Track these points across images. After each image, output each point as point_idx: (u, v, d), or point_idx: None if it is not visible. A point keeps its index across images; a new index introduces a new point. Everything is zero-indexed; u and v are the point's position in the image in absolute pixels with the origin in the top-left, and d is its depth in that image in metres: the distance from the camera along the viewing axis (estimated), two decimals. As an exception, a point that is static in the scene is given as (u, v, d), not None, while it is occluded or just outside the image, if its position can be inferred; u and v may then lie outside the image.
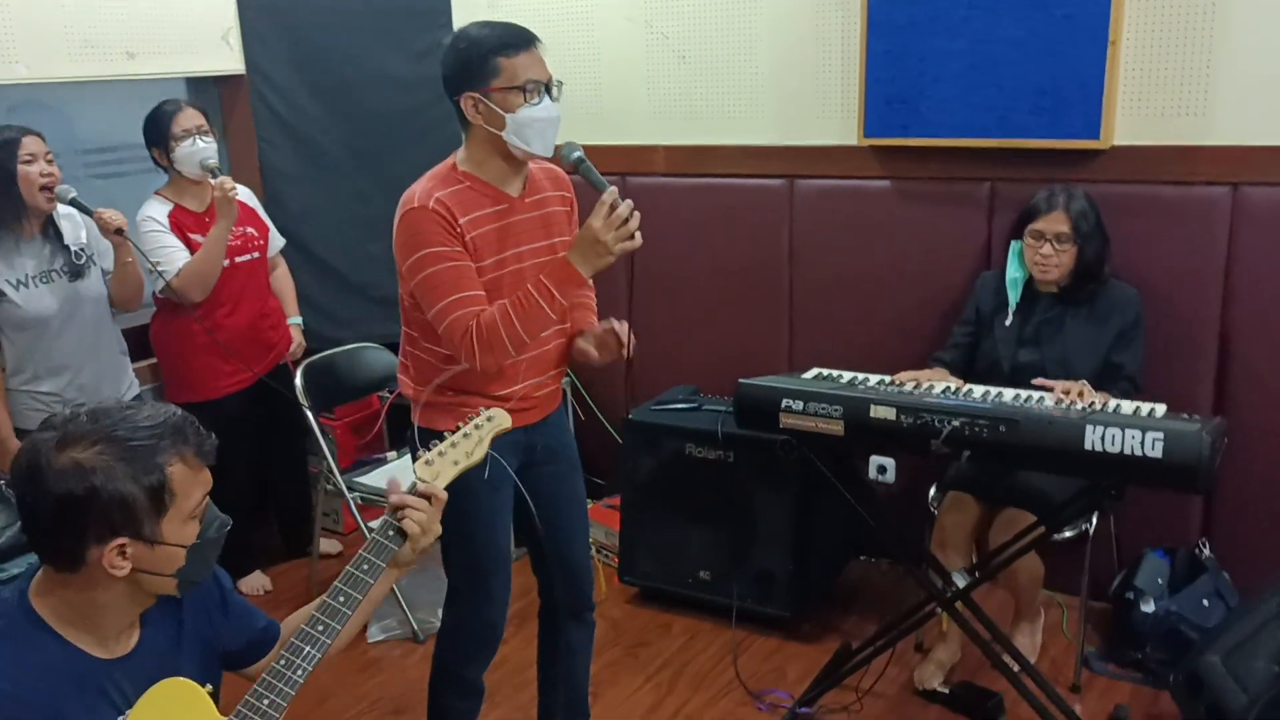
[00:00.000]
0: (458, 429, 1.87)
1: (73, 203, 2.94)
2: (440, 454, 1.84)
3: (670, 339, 3.85)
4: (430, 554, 2.15)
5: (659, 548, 3.39)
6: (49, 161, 2.91)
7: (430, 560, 2.21)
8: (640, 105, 3.72)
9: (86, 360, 3.06)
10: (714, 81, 3.59)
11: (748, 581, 3.23)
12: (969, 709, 2.80)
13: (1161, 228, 2.99)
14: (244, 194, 3.46)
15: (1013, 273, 2.94)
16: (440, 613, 2.43)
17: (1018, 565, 2.77)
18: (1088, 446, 2.30)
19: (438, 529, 1.76)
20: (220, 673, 1.72)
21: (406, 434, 2.26)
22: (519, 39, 2.09)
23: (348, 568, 1.68)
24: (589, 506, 3.85)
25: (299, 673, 1.59)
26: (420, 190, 2.13)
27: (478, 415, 1.90)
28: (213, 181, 3.17)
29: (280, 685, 1.57)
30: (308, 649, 1.61)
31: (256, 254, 3.43)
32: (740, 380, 2.74)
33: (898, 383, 2.69)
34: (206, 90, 3.90)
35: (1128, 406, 2.46)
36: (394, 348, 2.48)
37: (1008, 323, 2.93)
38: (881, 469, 3.49)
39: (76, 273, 3.02)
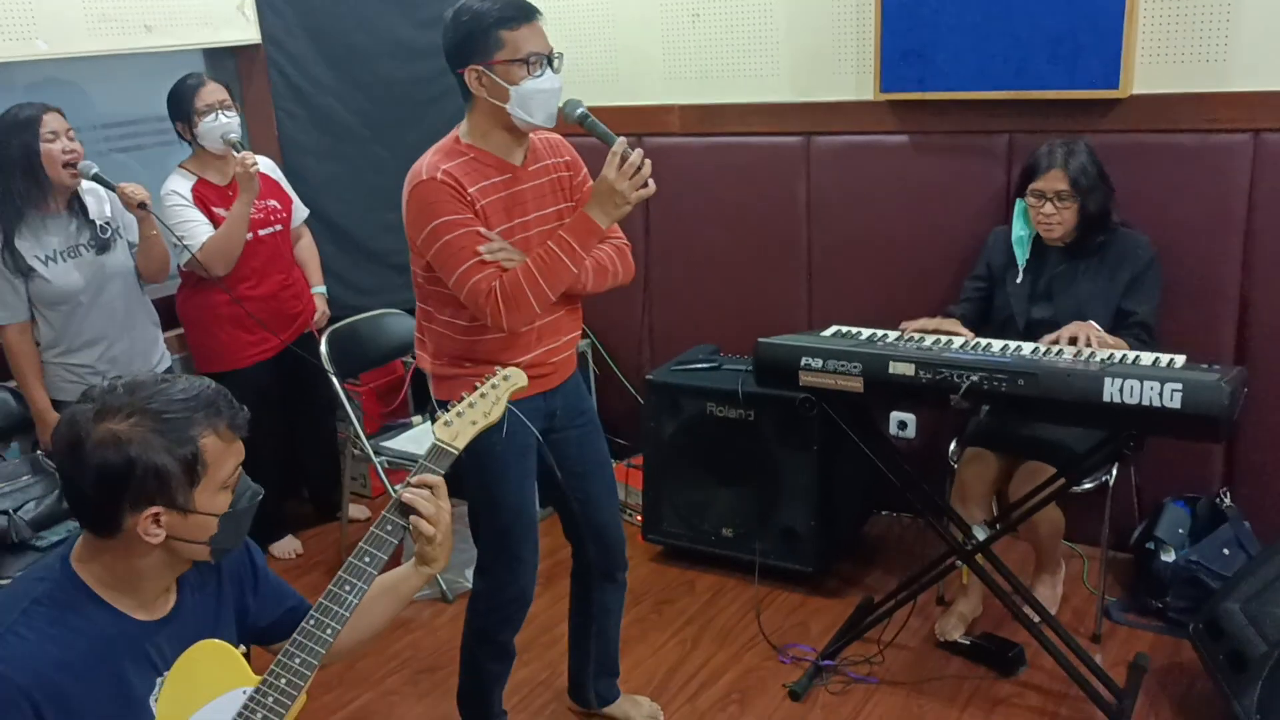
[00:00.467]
0: (475, 389, 1.90)
1: (95, 178, 2.97)
2: (459, 414, 1.87)
3: (689, 299, 3.87)
4: (459, 516, 2.19)
5: (682, 506, 3.43)
6: (70, 138, 2.94)
7: (458, 522, 2.25)
8: (654, 65, 3.71)
9: (118, 332, 3.11)
10: (728, 39, 3.57)
11: (771, 538, 3.26)
12: (990, 660, 2.84)
13: (1182, 176, 2.96)
14: (267, 166, 3.49)
15: (1018, 231, 2.93)
16: (469, 574, 2.49)
17: (1038, 517, 2.79)
18: (1106, 398, 2.31)
19: (446, 521, 1.75)
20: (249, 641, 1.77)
21: (426, 408, 2.29)
22: (521, 12, 2.11)
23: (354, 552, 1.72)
24: (614, 466, 3.94)
25: (329, 632, 1.64)
26: (427, 164, 2.16)
27: (494, 375, 1.93)
28: (235, 155, 3.20)
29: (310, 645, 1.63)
30: (339, 604, 1.66)
31: (279, 227, 3.46)
32: (759, 339, 2.75)
33: (906, 333, 2.70)
34: (223, 62, 3.92)
35: (1147, 357, 2.46)
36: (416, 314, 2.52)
37: (1019, 280, 2.92)
38: (902, 424, 3.52)
39: (102, 247, 3.06)
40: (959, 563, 2.78)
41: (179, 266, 3.35)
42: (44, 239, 2.96)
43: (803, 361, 2.65)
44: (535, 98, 2.12)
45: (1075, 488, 2.83)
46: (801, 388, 2.67)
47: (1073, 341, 2.57)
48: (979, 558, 2.70)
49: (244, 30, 3.78)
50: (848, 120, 3.41)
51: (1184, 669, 2.77)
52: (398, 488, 1.78)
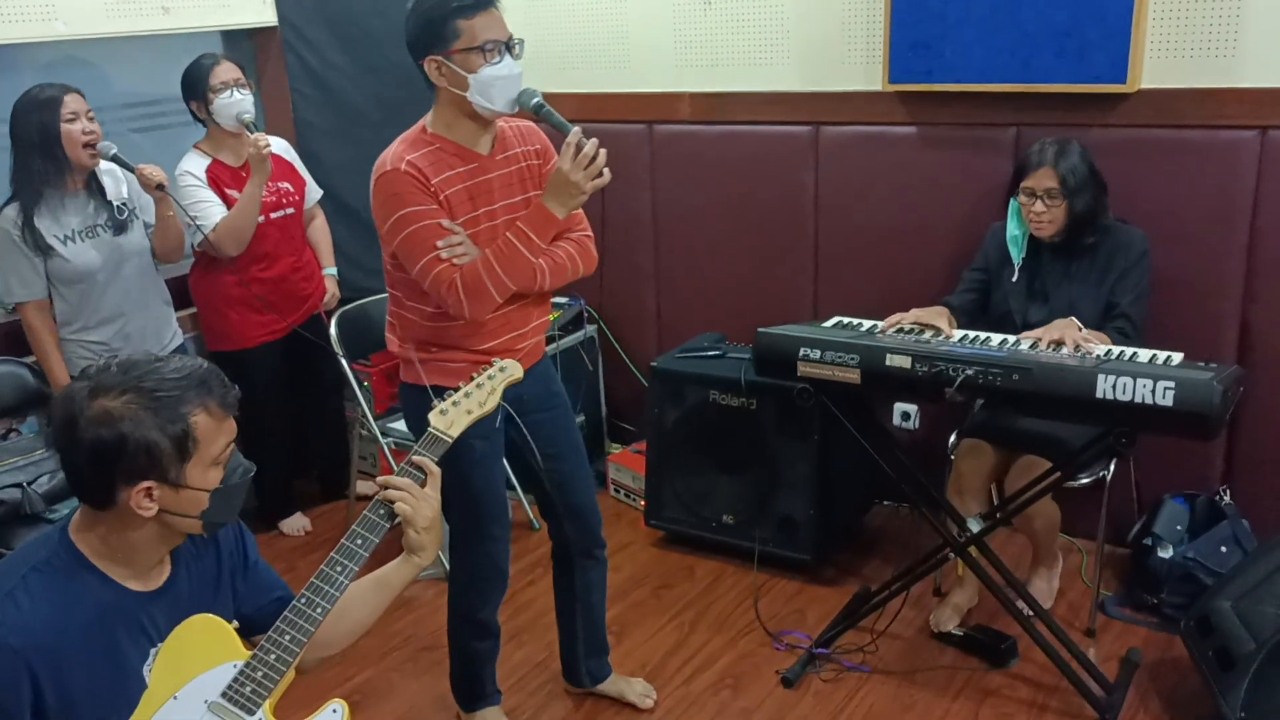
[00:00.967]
0: (471, 379, 1.94)
1: (114, 159, 3.02)
2: (454, 403, 1.91)
3: (696, 286, 3.89)
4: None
5: (684, 492, 3.46)
6: (90, 119, 2.99)
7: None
8: (666, 52, 3.72)
9: (132, 311, 3.17)
10: (739, 27, 3.57)
11: (770, 526, 3.29)
12: (982, 651, 2.86)
13: (1188, 172, 2.95)
14: (281, 147, 3.53)
15: (1012, 230, 2.92)
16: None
17: (1034, 511, 2.80)
18: (1099, 395, 2.32)
19: (432, 511, 1.78)
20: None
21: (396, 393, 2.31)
22: (477, 0, 2.11)
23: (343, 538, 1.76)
24: (619, 452, 3.98)
25: (319, 611, 1.68)
26: (392, 154, 2.19)
27: (491, 366, 1.96)
28: (249, 136, 3.24)
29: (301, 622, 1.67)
30: (329, 585, 1.70)
31: (292, 210, 3.50)
32: (759, 329, 2.78)
33: (891, 326, 2.74)
34: (240, 44, 3.97)
35: (1144, 354, 2.47)
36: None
37: (1015, 279, 2.92)
38: (905, 415, 3.52)
39: (120, 227, 3.12)
40: (952, 554, 2.80)
41: (193, 246, 3.40)
42: (62, 219, 3.01)
43: (801, 352, 2.67)
44: (494, 85, 2.13)
45: (1071, 482, 2.84)
46: (800, 378, 2.69)
47: (1057, 345, 2.56)
48: (973, 550, 2.72)
49: (261, 12, 3.83)
50: (856, 111, 3.41)
51: (1176, 665, 2.77)
52: (401, 465, 1.81)
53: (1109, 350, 2.53)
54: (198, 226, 3.26)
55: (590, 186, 2.15)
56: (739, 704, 2.78)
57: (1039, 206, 2.78)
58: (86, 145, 2.98)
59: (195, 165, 3.33)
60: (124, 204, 3.15)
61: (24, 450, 3.04)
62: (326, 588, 1.71)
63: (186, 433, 1.55)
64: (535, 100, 2.17)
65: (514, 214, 2.27)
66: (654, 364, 3.49)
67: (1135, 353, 2.50)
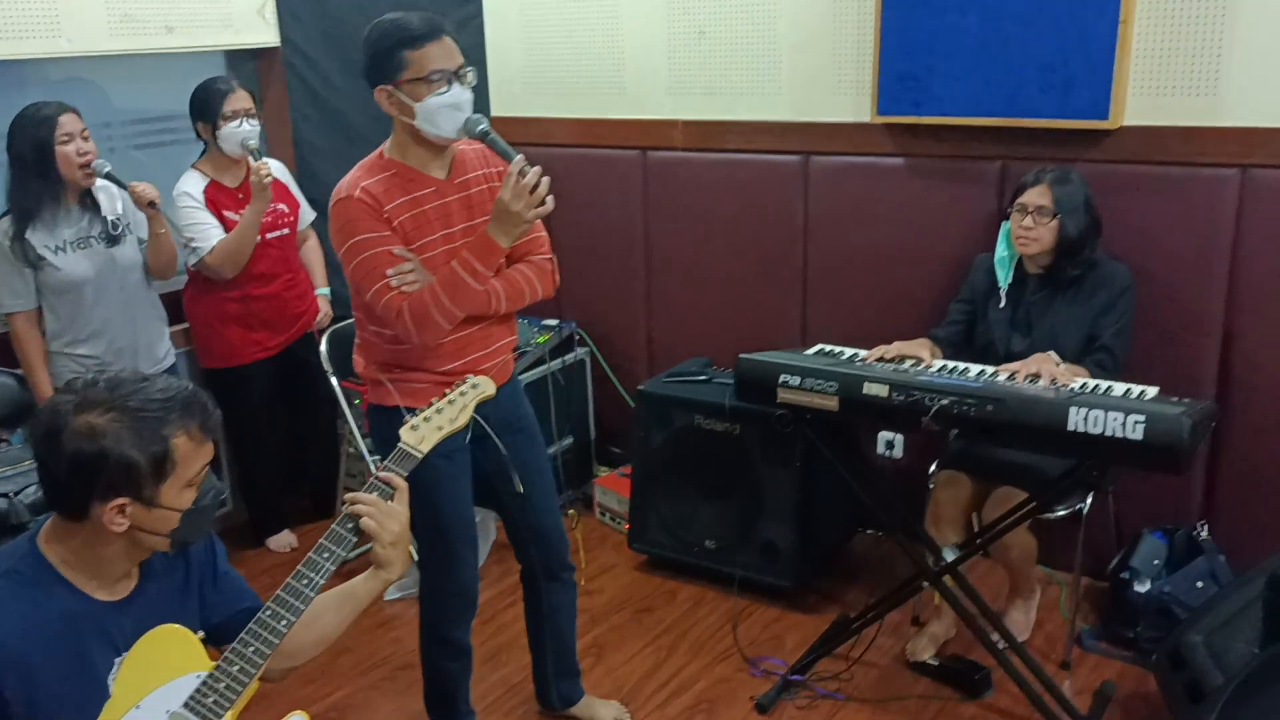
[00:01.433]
0: (444, 395, 1.96)
1: (108, 176, 3.07)
2: (425, 419, 1.93)
3: (686, 311, 3.92)
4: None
5: (668, 517, 3.47)
6: (85, 139, 3.03)
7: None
8: (659, 80, 3.77)
9: (123, 325, 3.21)
10: (732, 58, 3.62)
11: (751, 552, 3.30)
12: (956, 681, 2.86)
13: (1169, 209, 2.98)
14: (277, 169, 3.57)
15: (1000, 252, 2.95)
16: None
17: (1010, 542, 2.81)
18: (1071, 427, 2.34)
19: (399, 526, 1.78)
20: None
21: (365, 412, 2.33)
22: (425, 31, 2.15)
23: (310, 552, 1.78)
24: (605, 475, 3.99)
25: (284, 623, 1.71)
26: (348, 181, 2.23)
27: (464, 382, 1.99)
28: (251, 163, 3.28)
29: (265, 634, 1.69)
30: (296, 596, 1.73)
31: (286, 230, 3.55)
32: (740, 355, 2.80)
33: (874, 358, 2.76)
34: (244, 63, 4.03)
35: (1118, 388, 2.49)
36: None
37: (1000, 306, 2.95)
38: (889, 444, 3.54)
39: (113, 241, 3.16)
40: (925, 584, 2.80)
41: (186, 265, 3.44)
42: (56, 230, 3.05)
43: (781, 378, 2.70)
44: (440, 112, 2.16)
45: (1047, 514, 2.85)
46: (779, 404, 2.71)
47: (1034, 379, 2.58)
48: (948, 580, 2.73)
49: (264, 33, 3.89)
50: (845, 141, 3.45)
51: (1149, 699, 2.77)
52: (370, 481, 1.82)
53: (1084, 383, 2.55)
54: (194, 249, 3.31)
55: (531, 215, 2.16)
56: (713, 728, 2.79)
57: (1028, 221, 2.81)
58: (82, 166, 3.02)
59: (193, 186, 3.36)
60: (118, 219, 3.19)
61: (12, 460, 3.07)
62: (292, 600, 1.73)
63: (166, 454, 1.58)
64: (481, 127, 2.20)
65: (469, 237, 2.28)
66: (641, 388, 3.52)
67: (1110, 386, 2.52)
